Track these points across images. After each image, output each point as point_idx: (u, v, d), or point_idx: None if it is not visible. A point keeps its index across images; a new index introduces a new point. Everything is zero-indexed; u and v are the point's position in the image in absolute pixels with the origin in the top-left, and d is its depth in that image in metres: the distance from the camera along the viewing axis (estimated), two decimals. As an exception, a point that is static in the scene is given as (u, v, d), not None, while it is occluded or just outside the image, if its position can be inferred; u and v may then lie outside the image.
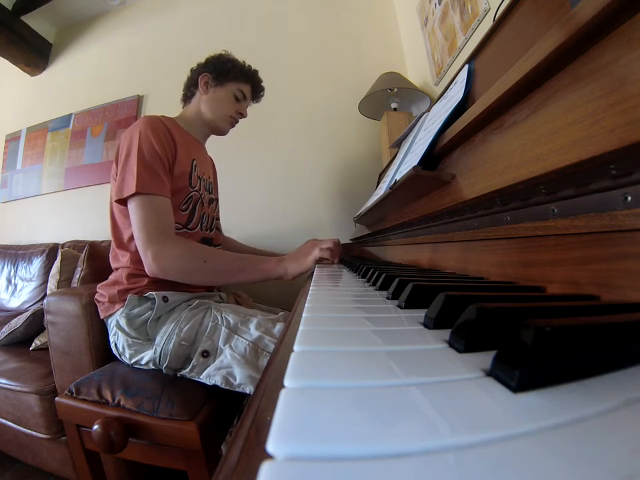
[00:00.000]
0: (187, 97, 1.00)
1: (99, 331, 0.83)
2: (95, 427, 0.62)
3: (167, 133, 0.83)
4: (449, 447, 0.09)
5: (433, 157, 0.49)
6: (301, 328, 0.21)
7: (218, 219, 1.10)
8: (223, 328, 0.71)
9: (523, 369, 0.12)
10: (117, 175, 0.80)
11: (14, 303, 1.74)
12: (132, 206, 0.76)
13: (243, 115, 1.01)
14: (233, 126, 1.02)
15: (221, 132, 1.02)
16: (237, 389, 0.64)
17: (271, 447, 0.09)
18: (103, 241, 1.61)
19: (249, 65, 1.01)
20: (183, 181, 0.87)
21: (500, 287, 0.32)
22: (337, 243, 0.89)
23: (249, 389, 0.64)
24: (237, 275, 0.81)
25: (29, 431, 0.95)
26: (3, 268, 1.86)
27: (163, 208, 0.78)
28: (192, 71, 1.00)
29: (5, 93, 2.56)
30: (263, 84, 1.05)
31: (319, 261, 0.85)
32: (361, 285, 0.46)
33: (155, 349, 0.71)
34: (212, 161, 1.14)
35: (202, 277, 0.79)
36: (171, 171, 0.83)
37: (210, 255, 0.80)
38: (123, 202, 0.78)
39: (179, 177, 0.86)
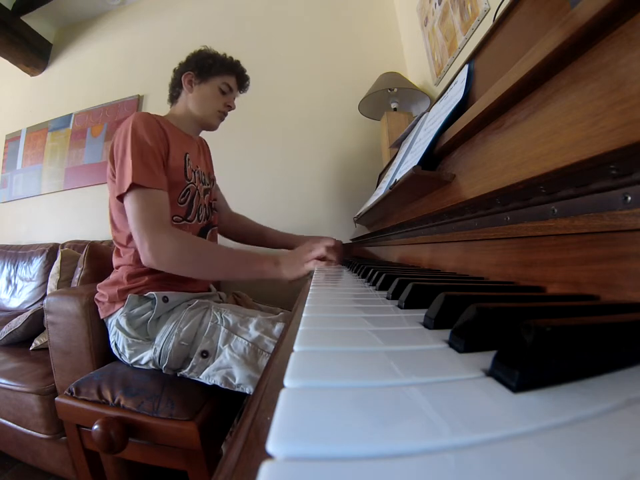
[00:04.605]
0: (173, 96, 1.01)
1: (99, 330, 0.83)
2: (95, 427, 0.62)
3: (158, 127, 0.84)
4: (448, 447, 0.09)
5: (433, 156, 0.49)
6: (300, 328, 0.21)
7: (215, 199, 1.08)
8: (223, 328, 0.71)
9: (523, 369, 0.12)
10: (113, 175, 0.81)
11: (14, 303, 1.74)
12: (128, 199, 0.77)
13: (231, 107, 1.02)
14: (222, 120, 1.03)
15: (211, 127, 1.02)
16: (237, 389, 0.65)
17: (270, 447, 0.09)
18: (103, 241, 1.61)
19: (230, 57, 1.01)
20: (179, 175, 0.88)
21: (500, 287, 0.32)
22: (338, 247, 0.84)
23: (248, 389, 0.64)
24: (232, 272, 0.82)
25: (29, 431, 0.95)
26: (3, 268, 1.86)
27: (160, 201, 0.79)
28: (174, 71, 1.00)
29: (4, 92, 2.56)
30: (247, 73, 1.04)
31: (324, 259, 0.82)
32: (360, 285, 0.46)
33: (155, 348, 0.71)
34: (203, 142, 1.11)
35: (196, 270, 0.80)
36: (165, 164, 0.84)
37: (206, 248, 0.81)
38: (123, 198, 0.78)
39: (175, 171, 0.86)
